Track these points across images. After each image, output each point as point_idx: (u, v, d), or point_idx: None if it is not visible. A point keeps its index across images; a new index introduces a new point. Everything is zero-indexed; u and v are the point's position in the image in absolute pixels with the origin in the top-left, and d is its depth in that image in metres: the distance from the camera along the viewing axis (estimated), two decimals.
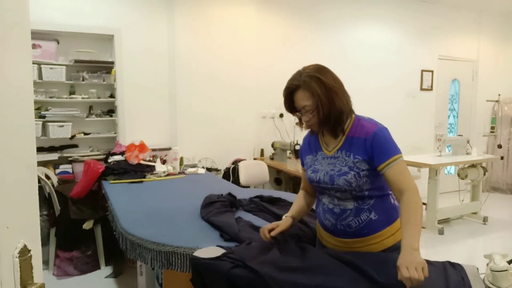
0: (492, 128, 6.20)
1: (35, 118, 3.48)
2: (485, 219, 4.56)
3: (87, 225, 3.13)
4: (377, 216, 1.41)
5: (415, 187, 1.34)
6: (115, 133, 4.00)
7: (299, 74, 1.41)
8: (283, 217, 1.60)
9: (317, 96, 1.36)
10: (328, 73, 1.42)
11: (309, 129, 1.54)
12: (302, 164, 1.64)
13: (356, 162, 1.38)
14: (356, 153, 1.39)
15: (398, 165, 1.35)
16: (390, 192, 1.46)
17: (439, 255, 3.60)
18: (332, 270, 1.26)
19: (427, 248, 3.85)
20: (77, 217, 3.09)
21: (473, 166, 4.56)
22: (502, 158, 5.83)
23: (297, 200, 1.67)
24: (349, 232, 1.43)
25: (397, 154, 1.36)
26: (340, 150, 1.43)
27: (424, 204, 4.78)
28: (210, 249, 1.48)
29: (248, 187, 3.89)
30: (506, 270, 1.13)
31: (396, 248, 1.45)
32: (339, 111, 1.39)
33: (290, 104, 1.45)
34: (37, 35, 3.58)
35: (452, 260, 1.34)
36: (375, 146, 1.36)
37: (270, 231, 1.52)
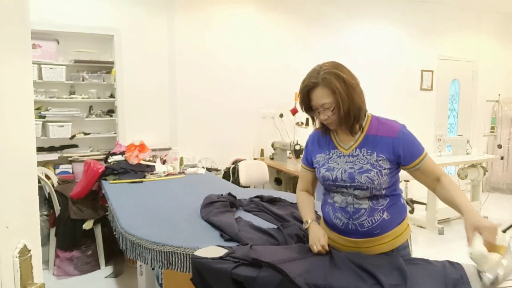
0: (492, 128, 6.20)
1: (35, 118, 3.48)
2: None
3: (87, 225, 3.13)
4: (390, 216, 1.42)
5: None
6: (115, 133, 4.00)
7: (316, 72, 1.38)
8: (308, 224, 1.50)
9: (338, 93, 1.34)
10: (346, 70, 1.41)
11: (317, 128, 1.53)
12: (306, 164, 1.60)
13: (379, 160, 1.39)
14: (380, 151, 1.39)
15: (429, 158, 1.44)
16: (400, 191, 1.50)
17: (439, 255, 3.58)
18: (338, 271, 1.26)
19: (427, 248, 3.85)
20: (77, 217, 3.09)
21: (473, 166, 4.56)
22: (502, 158, 5.82)
23: (308, 202, 1.61)
24: (361, 232, 1.42)
25: (424, 150, 1.46)
26: (359, 148, 1.42)
27: (424, 204, 4.80)
28: (211, 249, 1.48)
29: (248, 187, 3.90)
30: (482, 253, 1.13)
31: (404, 248, 1.46)
32: (358, 107, 1.39)
33: (307, 103, 1.42)
34: (37, 35, 3.58)
35: (452, 260, 1.34)
36: (406, 145, 1.41)
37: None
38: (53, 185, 3.26)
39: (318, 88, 1.37)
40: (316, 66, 1.41)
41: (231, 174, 4.11)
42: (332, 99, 1.35)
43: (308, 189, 1.65)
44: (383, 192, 1.41)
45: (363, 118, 1.44)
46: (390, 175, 1.40)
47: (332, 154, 1.47)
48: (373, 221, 1.40)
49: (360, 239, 1.43)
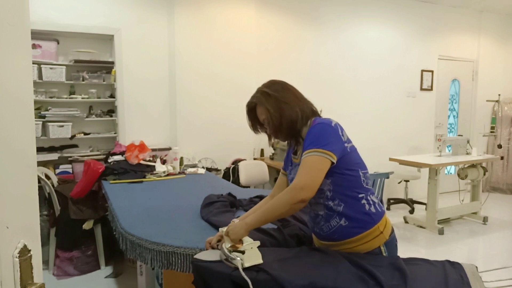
0: (492, 128, 6.20)
1: (35, 118, 3.48)
2: (485, 219, 4.56)
3: (87, 225, 3.13)
4: (348, 223, 1.40)
5: (302, 186, 1.30)
6: (115, 133, 4.00)
7: (255, 92, 1.52)
8: (232, 221, 1.50)
9: (267, 109, 1.46)
10: (278, 86, 1.49)
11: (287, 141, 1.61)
12: (284, 168, 1.67)
13: None
14: None
15: (309, 158, 1.33)
16: (362, 196, 1.42)
17: (439, 255, 3.60)
18: (337, 271, 1.26)
19: (427, 248, 3.85)
20: (77, 217, 3.09)
21: (473, 166, 4.56)
22: (502, 158, 5.82)
23: (256, 205, 1.69)
24: (323, 236, 1.48)
25: (318, 148, 1.33)
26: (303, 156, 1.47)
27: (423, 204, 4.80)
28: (211, 251, 1.48)
29: (248, 187, 3.90)
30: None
31: (374, 254, 1.45)
32: (290, 119, 1.45)
33: (254, 121, 1.56)
34: (37, 35, 3.58)
35: (452, 260, 1.34)
36: (307, 139, 1.40)
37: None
38: (53, 185, 3.26)
39: (257, 106, 1.52)
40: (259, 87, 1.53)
41: (231, 174, 4.11)
42: (266, 115, 1.47)
43: (274, 194, 1.67)
44: (329, 194, 1.40)
45: (301, 128, 1.46)
46: (326, 177, 1.36)
47: (293, 165, 1.57)
48: (330, 227, 1.44)
49: (326, 242, 1.49)
